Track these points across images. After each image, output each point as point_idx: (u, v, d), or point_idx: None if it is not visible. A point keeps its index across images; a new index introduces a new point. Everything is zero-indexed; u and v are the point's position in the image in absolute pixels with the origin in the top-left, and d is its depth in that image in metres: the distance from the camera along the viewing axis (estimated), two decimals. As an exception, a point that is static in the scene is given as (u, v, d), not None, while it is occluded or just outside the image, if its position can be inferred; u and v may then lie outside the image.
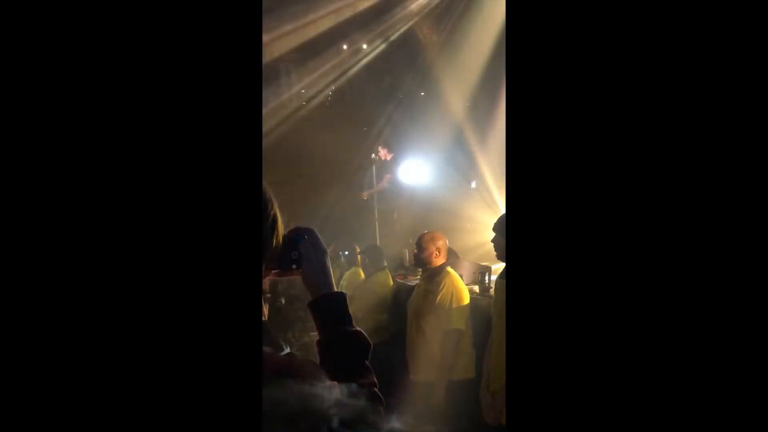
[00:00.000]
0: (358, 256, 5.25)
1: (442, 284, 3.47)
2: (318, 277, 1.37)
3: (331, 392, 1.26)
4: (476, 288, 4.23)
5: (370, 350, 1.38)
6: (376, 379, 1.39)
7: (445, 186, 7.23)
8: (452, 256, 4.56)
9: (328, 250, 1.46)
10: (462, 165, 7.18)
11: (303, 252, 1.36)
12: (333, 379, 1.30)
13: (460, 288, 3.51)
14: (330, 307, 1.38)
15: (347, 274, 5.29)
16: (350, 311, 1.42)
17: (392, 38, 7.41)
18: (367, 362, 1.39)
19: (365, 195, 7.57)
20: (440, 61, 7.22)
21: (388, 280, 4.77)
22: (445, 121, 7.20)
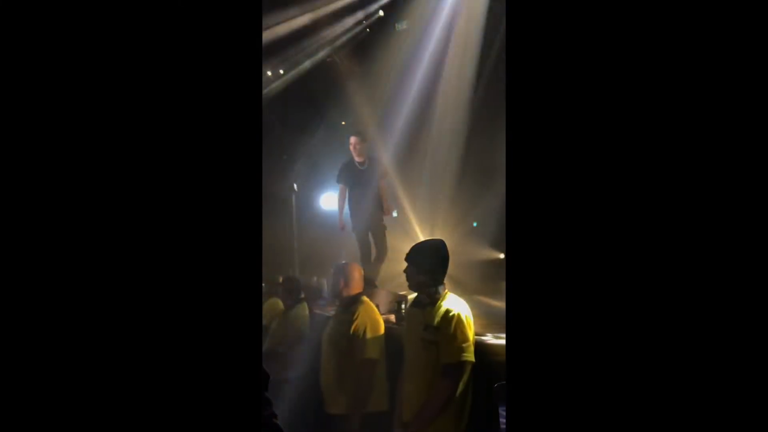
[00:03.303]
0: (280, 287, 5.23)
1: (356, 314, 3.53)
2: None
3: None
4: (392, 317, 4.31)
5: (269, 381, 1.42)
6: (274, 410, 1.43)
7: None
8: (369, 286, 4.63)
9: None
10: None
11: None
12: None
13: (375, 318, 3.57)
14: None
15: (266, 304, 5.26)
16: (267, 343, 1.44)
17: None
18: (266, 393, 1.43)
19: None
20: (361, 91, 7.37)
21: (304, 312, 4.77)
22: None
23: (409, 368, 3.03)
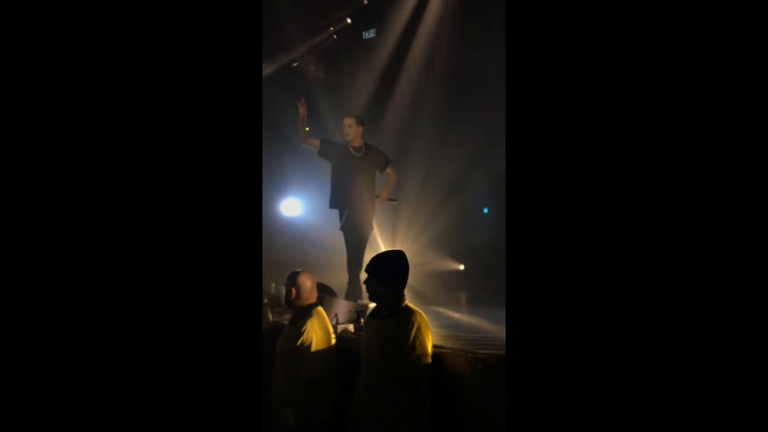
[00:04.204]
0: None
1: (304, 328, 3.44)
2: None
3: None
4: (351, 327, 4.29)
5: None
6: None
7: (326, 224, 7.30)
8: (329, 294, 4.59)
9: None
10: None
11: None
12: None
13: (321, 333, 3.48)
14: None
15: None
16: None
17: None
18: None
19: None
20: (325, 99, 7.36)
21: (267, 316, 4.69)
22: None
23: (366, 378, 3.02)
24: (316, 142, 5.20)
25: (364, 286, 3.11)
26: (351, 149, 5.14)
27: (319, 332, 3.45)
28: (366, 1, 6.97)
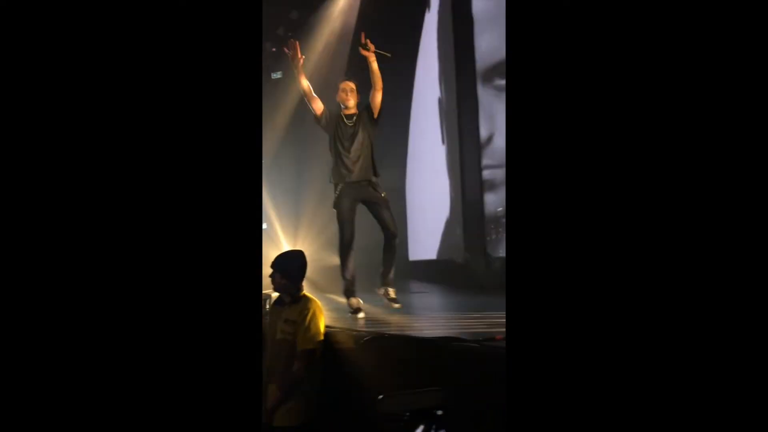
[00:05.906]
0: None
1: None
2: None
3: None
4: (258, 313, 4.39)
5: None
6: None
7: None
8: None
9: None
10: (255, 209, 7.39)
11: None
12: None
13: None
14: None
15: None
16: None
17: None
18: None
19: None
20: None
21: None
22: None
23: (271, 353, 3.17)
24: (320, 106, 3.97)
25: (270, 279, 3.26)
26: (344, 117, 3.94)
27: None
28: (274, 49, 7.11)
